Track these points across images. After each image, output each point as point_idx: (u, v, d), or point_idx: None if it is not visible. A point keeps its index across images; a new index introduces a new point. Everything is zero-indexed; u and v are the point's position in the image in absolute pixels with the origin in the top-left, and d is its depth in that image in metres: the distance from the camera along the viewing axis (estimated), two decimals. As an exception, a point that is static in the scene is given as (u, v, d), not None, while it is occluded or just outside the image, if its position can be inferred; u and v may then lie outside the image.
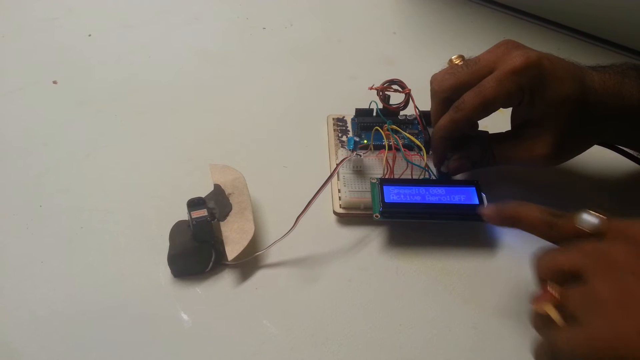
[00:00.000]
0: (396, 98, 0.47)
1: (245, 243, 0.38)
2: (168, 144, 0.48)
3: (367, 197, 0.42)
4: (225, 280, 0.39)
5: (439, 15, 0.67)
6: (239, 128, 0.50)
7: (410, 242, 0.42)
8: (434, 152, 0.44)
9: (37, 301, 0.37)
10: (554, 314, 0.29)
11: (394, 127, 0.44)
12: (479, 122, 0.42)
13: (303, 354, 0.35)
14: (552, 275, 0.30)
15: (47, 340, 0.35)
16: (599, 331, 0.26)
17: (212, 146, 0.48)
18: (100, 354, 0.35)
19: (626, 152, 0.45)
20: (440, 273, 0.40)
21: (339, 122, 0.50)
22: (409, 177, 0.43)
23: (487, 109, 0.40)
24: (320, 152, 0.48)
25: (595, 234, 0.31)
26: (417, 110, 0.46)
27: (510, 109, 0.42)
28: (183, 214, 0.39)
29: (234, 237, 0.38)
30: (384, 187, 0.41)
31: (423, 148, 0.44)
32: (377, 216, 0.40)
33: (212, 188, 0.42)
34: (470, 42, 0.60)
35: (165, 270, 0.39)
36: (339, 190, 0.43)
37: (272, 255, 0.40)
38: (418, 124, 0.47)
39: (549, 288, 0.30)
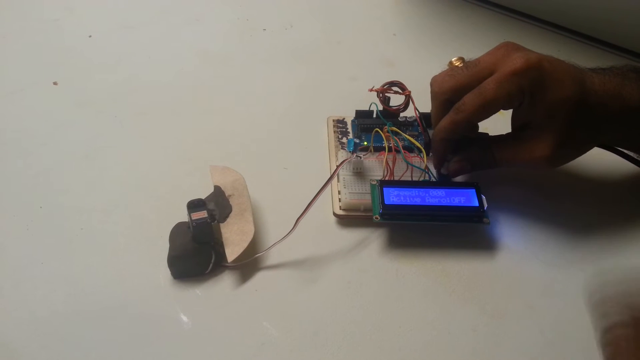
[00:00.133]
0: (396, 100, 0.47)
1: (245, 245, 0.38)
2: (168, 145, 0.48)
3: (367, 199, 0.42)
4: (225, 282, 0.39)
5: (439, 17, 0.67)
6: (239, 129, 0.50)
7: (410, 244, 0.42)
8: (434, 154, 0.44)
9: (37, 302, 0.37)
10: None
11: (394, 128, 0.44)
12: (480, 124, 0.42)
13: (303, 355, 0.35)
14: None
15: (47, 341, 0.35)
16: None
17: (212, 147, 0.48)
18: (99, 354, 0.35)
19: (626, 154, 0.45)
20: (440, 275, 0.40)
21: (339, 123, 0.50)
22: (409, 178, 0.43)
23: (487, 110, 0.40)
24: (320, 154, 0.48)
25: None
26: (417, 112, 0.46)
27: (510, 111, 0.42)
28: (183, 216, 0.39)
29: (234, 239, 0.38)
30: (384, 188, 0.41)
31: (423, 150, 0.44)
32: (377, 218, 0.40)
33: (212, 189, 0.41)
34: (471, 44, 0.60)
35: (165, 271, 0.39)
36: (339, 192, 0.43)
37: (272, 257, 0.40)
38: (418, 125, 0.47)
39: None
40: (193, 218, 0.37)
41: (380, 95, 0.46)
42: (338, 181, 0.44)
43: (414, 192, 0.41)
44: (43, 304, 0.37)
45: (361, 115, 0.49)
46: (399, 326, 0.37)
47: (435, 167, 0.44)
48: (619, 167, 0.47)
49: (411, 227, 0.42)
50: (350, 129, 0.49)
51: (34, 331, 0.35)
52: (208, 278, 0.39)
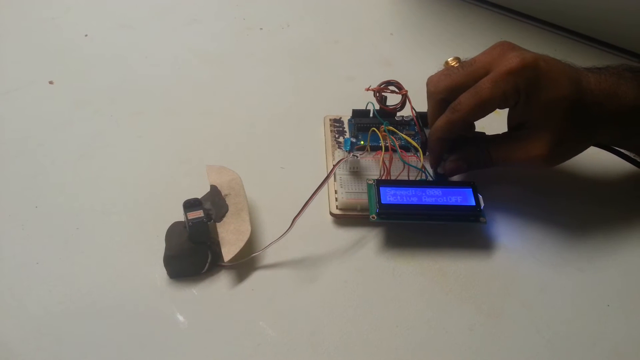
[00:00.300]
0: (393, 99, 0.47)
1: (241, 244, 0.38)
2: (164, 145, 0.48)
3: (363, 198, 0.42)
4: (221, 282, 0.39)
5: (436, 17, 0.67)
6: (236, 128, 0.50)
7: (406, 243, 0.42)
8: (431, 153, 0.44)
9: (32, 302, 0.37)
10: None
11: (391, 128, 0.44)
12: (476, 123, 0.42)
13: (299, 355, 0.35)
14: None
15: (43, 341, 0.35)
16: None
17: (208, 147, 0.48)
18: (95, 354, 0.35)
19: (622, 153, 0.45)
20: (437, 274, 0.40)
21: (336, 123, 0.50)
22: (406, 178, 0.43)
23: (483, 109, 0.40)
24: (317, 153, 0.48)
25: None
26: (413, 112, 0.46)
27: (506, 111, 0.42)
28: (179, 215, 0.39)
29: (230, 238, 0.38)
30: (381, 188, 0.41)
31: (420, 149, 0.44)
32: (373, 217, 0.40)
33: (208, 189, 0.41)
34: (468, 43, 0.60)
35: (161, 271, 0.38)
36: (336, 192, 0.43)
37: (269, 256, 0.40)
38: (415, 125, 0.47)
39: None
40: (189, 217, 0.37)
41: (377, 94, 0.46)
42: (335, 180, 0.44)
43: (411, 191, 0.41)
44: (38, 304, 0.37)
45: (358, 114, 0.49)
46: (395, 325, 0.37)
47: (432, 167, 0.44)
48: (615, 166, 0.47)
49: (408, 226, 0.42)
50: (347, 128, 0.49)
51: (29, 331, 0.35)
52: (204, 278, 0.39)
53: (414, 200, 0.40)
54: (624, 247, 0.42)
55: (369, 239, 0.42)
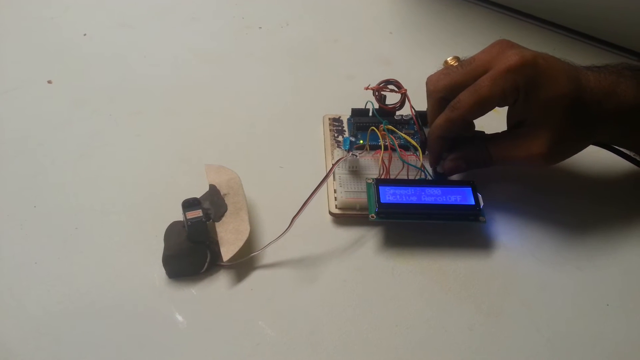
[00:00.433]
0: (392, 98, 0.46)
1: (240, 244, 0.38)
2: (163, 144, 0.48)
3: (363, 198, 0.42)
4: (220, 281, 0.39)
5: (435, 15, 0.67)
6: (235, 128, 0.50)
7: (406, 242, 0.41)
8: (430, 152, 0.44)
9: (31, 302, 0.37)
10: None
11: (390, 127, 0.44)
12: (475, 122, 0.42)
13: (298, 355, 0.35)
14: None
15: (41, 341, 0.35)
16: None
17: (207, 146, 0.48)
18: (94, 354, 0.35)
19: (622, 152, 0.45)
20: (437, 273, 0.40)
21: (335, 122, 0.50)
22: (405, 177, 0.43)
23: (482, 107, 0.40)
24: (316, 152, 0.48)
25: None
26: (413, 110, 0.46)
27: (505, 110, 0.42)
28: (178, 215, 0.39)
29: (229, 238, 0.38)
30: (380, 187, 0.41)
31: (419, 148, 0.43)
32: (373, 217, 0.40)
33: (207, 188, 0.41)
34: (467, 42, 0.60)
35: (160, 271, 0.38)
36: (335, 191, 0.43)
37: (268, 256, 0.40)
38: (414, 124, 0.47)
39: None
40: (188, 217, 0.37)
41: (376, 93, 0.46)
42: (334, 180, 0.44)
43: (410, 190, 0.41)
44: (37, 304, 0.37)
45: (357, 113, 0.48)
46: (395, 325, 0.37)
47: (431, 166, 0.44)
48: (614, 165, 0.47)
49: (407, 225, 0.42)
50: (346, 128, 0.49)
51: (28, 331, 0.35)
52: (203, 277, 0.39)
53: (413, 200, 0.40)
54: (623, 245, 0.42)
55: (368, 238, 0.42)
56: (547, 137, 0.39)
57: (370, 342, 0.36)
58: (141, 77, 0.55)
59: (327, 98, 0.53)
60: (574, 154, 0.42)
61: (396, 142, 0.43)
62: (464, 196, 0.41)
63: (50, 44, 0.58)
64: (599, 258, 0.41)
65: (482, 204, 0.40)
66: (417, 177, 0.43)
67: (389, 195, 0.40)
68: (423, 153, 0.44)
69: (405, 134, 0.45)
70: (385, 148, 0.43)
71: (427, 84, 0.42)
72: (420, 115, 0.46)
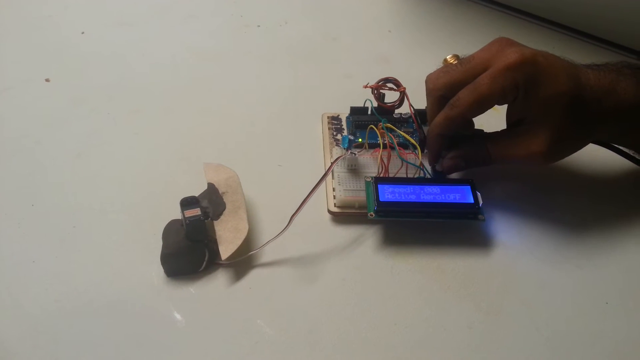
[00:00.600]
0: (391, 96, 0.46)
1: (239, 242, 0.38)
2: (161, 143, 0.48)
3: (361, 196, 0.42)
4: (218, 280, 0.38)
5: (434, 14, 0.67)
6: (233, 126, 0.50)
7: (405, 241, 0.41)
8: (429, 150, 0.43)
9: (28, 300, 0.37)
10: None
11: (389, 125, 0.44)
12: (474, 121, 0.42)
13: (297, 354, 0.35)
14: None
15: (39, 340, 0.35)
16: None
17: (205, 144, 0.48)
18: (92, 353, 0.34)
19: (622, 150, 0.45)
20: (435, 272, 0.40)
21: (334, 120, 0.50)
22: (404, 175, 0.43)
23: (482, 105, 0.40)
24: (315, 151, 0.48)
25: None
26: (412, 109, 0.46)
27: (504, 108, 0.42)
28: (176, 213, 0.39)
29: (228, 236, 0.38)
30: (379, 185, 0.41)
31: (418, 146, 0.43)
32: (371, 215, 0.40)
33: (205, 187, 0.41)
34: (466, 40, 0.60)
35: (158, 269, 0.38)
36: (334, 189, 0.43)
37: (266, 254, 0.40)
38: (413, 122, 0.47)
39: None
40: (186, 215, 0.37)
41: (375, 91, 0.46)
42: (333, 178, 0.44)
43: (409, 189, 0.41)
44: (35, 303, 0.36)
45: (356, 111, 0.48)
46: (394, 323, 0.37)
47: (430, 164, 0.44)
48: (614, 163, 0.47)
49: (406, 224, 0.42)
50: (344, 126, 0.49)
51: (25, 330, 0.35)
52: (202, 276, 0.38)
53: (412, 198, 0.40)
54: (622, 244, 0.42)
55: (367, 236, 0.42)
56: (547, 135, 0.39)
57: (369, 340, 0.36)
58: (139, 76, 0.55)
59: (325, 96, 0.53)
60: (574, 152, 0.42)
61: (395, 141, 0.43)
62: (463, 194, 0.41)
63: (49, 42, 0.58)
64: (599, 256, 0.41)
65: (481, 202, 0.40)
66: (416, 176, 0.43)
67: (388, 193, 0.40)
68: (422, 151, 0.44)
69: (404, 132, 0.45)
70: (384, 146, 0.43)
71: (426, 82, 0.42)
72: (419, 113, 0.46)
